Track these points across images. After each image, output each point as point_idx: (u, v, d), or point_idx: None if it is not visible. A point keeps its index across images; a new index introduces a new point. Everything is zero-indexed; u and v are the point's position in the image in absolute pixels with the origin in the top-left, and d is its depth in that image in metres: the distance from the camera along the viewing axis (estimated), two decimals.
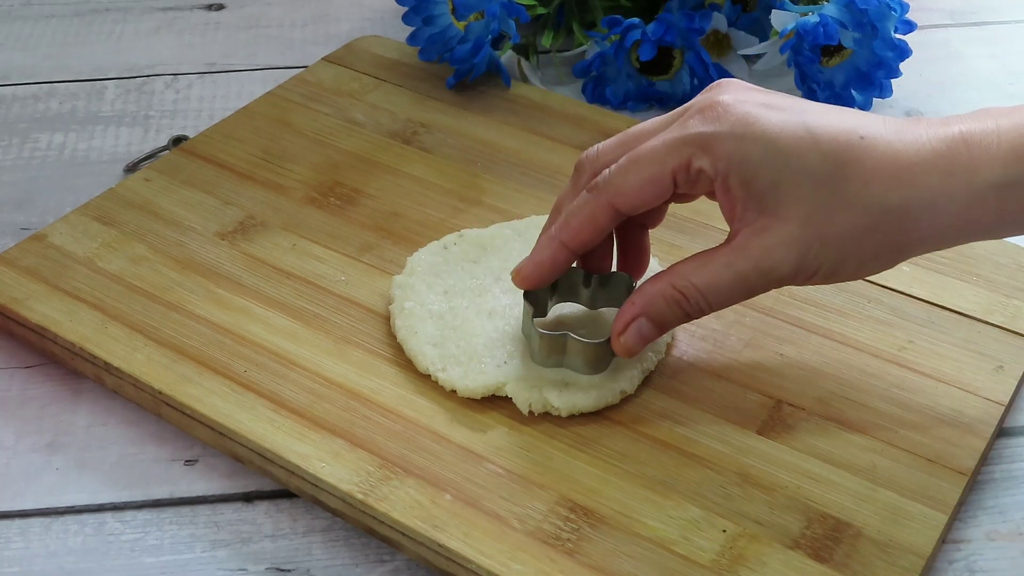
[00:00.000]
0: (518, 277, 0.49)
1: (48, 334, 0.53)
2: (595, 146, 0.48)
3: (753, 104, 0.44)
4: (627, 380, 0.49)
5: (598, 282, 0.51)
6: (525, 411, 0.48)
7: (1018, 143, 0.43)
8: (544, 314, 0.51)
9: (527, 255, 0.49)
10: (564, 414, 0.48)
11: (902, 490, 0.46)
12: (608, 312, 0.52)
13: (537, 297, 0.50)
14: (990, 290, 0.55)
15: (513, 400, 0.49)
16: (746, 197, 0.44)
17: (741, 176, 0.44)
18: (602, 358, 0.49)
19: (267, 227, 0.59)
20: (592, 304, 0.52)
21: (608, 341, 0.48)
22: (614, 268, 0.52)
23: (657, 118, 0.48)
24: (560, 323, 0.52)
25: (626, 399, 0.49)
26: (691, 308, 0.46)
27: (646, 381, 0.50)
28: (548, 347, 0.49)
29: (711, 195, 0.47)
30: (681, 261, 0.46)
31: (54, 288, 0.55)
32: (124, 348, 0.52)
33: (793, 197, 0.43)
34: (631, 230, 0.50)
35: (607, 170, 0.46)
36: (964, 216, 0.43)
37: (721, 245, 0.45)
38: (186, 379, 0.50)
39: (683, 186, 0.45)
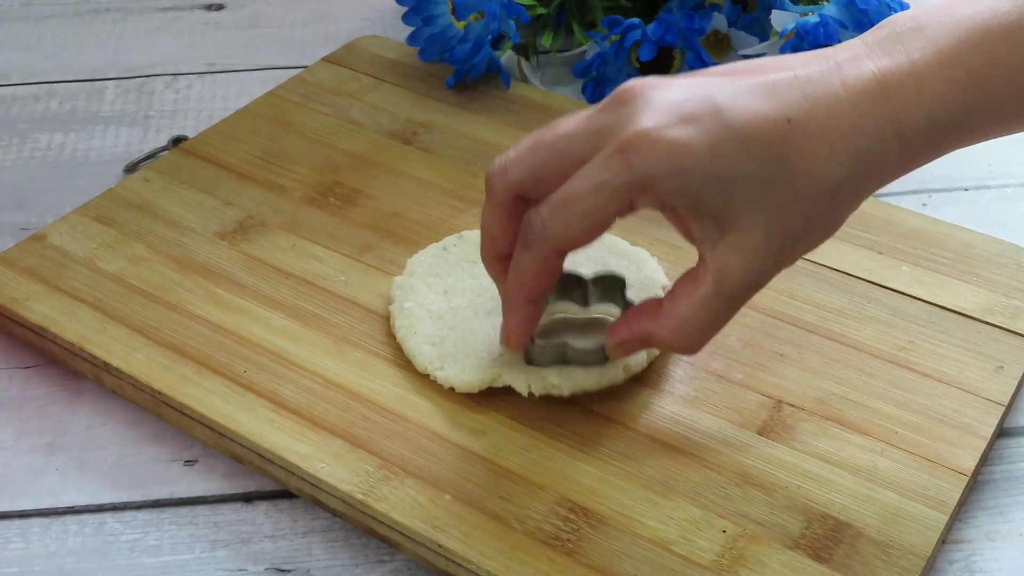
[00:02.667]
0: (510, 343, 0.49)
1: (48, 334, 0.53)
2: (501, 159, 0.46)
3: (673, 125, 0.42)
4: (632, 357, 0.49)
5: (592, 282, 0.51)
6: (525, 393, 0.48)
7: (937, 86, 0.42)
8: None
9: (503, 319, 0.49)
10: (566, 393, 0.48)
11: (902, 490, 0.46)
12: (601, 312, 0.52)
13: None
14: (990, 290, 0.55)
15: (512, 385, 0.49)
16: (701, 220, 0.43)
17: (690, 206, 0.43)
18: (599, 360, 0.49)
19: (267, 227, 0.59)
20: (586, 301, 0.52)
21: (602, 347, 0.48)
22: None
23: (570, 119, 0.45)
24: (553, 325, 0.52)
25: (626, 400, 0.49)
26: (685, 348, 0.46)
27: (646, 381, 0.50)
28: (548, 356, 0.49)
29: None
30: (669, 297, 0.45)
31: (54, 288, 0.55)
32: (124, 348, 0.52)
33: (747, 208, 0.42)
34: None
35: (541, 219, 0.44)
36: (902, 165, 0.44)
37: (699, 271, 0.44)
38: (186, 379, 0.50)
39: (624, 216, 0.45)
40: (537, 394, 0.48)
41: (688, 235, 0.45)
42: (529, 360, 0.50)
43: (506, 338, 0.49)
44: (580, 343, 0.49)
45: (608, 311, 0.52)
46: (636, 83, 0.44)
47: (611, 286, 0.51)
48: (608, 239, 0.54)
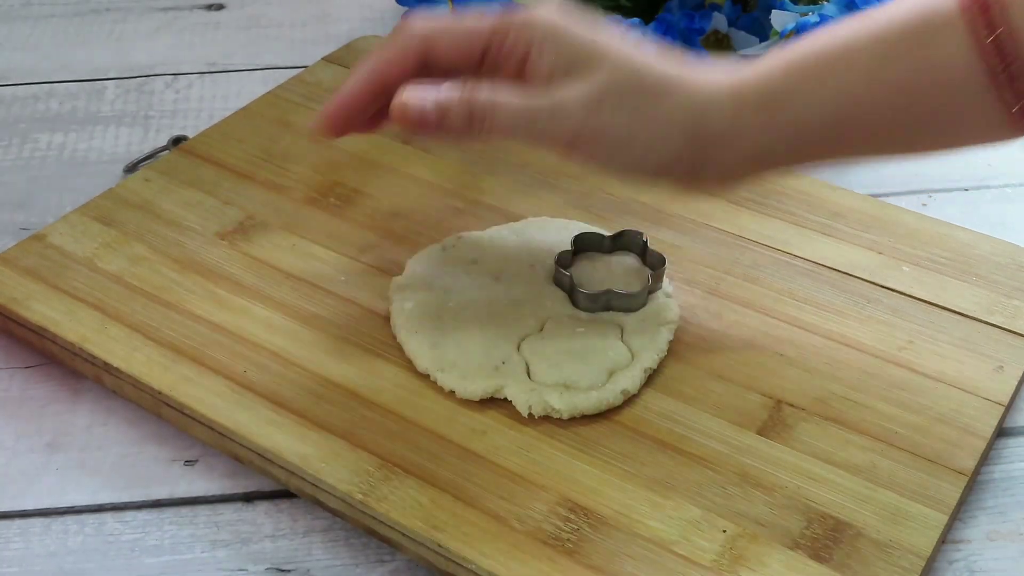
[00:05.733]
0: (323, 124, 0.49)
1: (48, 334, 0.53)
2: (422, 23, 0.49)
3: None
4: (629, 380, 0.49)
5: (611, 240, 0.55)
6: (525, 413, 0.48)
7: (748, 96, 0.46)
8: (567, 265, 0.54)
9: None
10: (565, 416, 0.48)
11: (902, 490, 0.46)
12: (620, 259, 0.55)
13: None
14: (990, 290, 0.55)
15: (513, 403, 0.49)
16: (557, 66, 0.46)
17: (555, 47, 0.46)
18: (641, 302, 0.53)
19: (267, 227, 0.59)
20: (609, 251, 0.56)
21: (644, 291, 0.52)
22: None
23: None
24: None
25: (627, 400, 0.49)
26: (477, 119, 0.46)
27: (646, 381, 0.50)
28: (594, 303, 0.52)
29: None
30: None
31: (54, 288, 0.55)
32: (124, 348, 0.52)
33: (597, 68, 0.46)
34: None
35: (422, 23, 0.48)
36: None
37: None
38: (186, 379, 0.50)
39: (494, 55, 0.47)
40: (536, 415, 0.48)
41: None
42: (575, 303, 0.52)
43: (324, 115, 0.49)
44: (622, 289, 0.52)
45: (626, 257, 0.55)
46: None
47: (631, 240, 0.55)
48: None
